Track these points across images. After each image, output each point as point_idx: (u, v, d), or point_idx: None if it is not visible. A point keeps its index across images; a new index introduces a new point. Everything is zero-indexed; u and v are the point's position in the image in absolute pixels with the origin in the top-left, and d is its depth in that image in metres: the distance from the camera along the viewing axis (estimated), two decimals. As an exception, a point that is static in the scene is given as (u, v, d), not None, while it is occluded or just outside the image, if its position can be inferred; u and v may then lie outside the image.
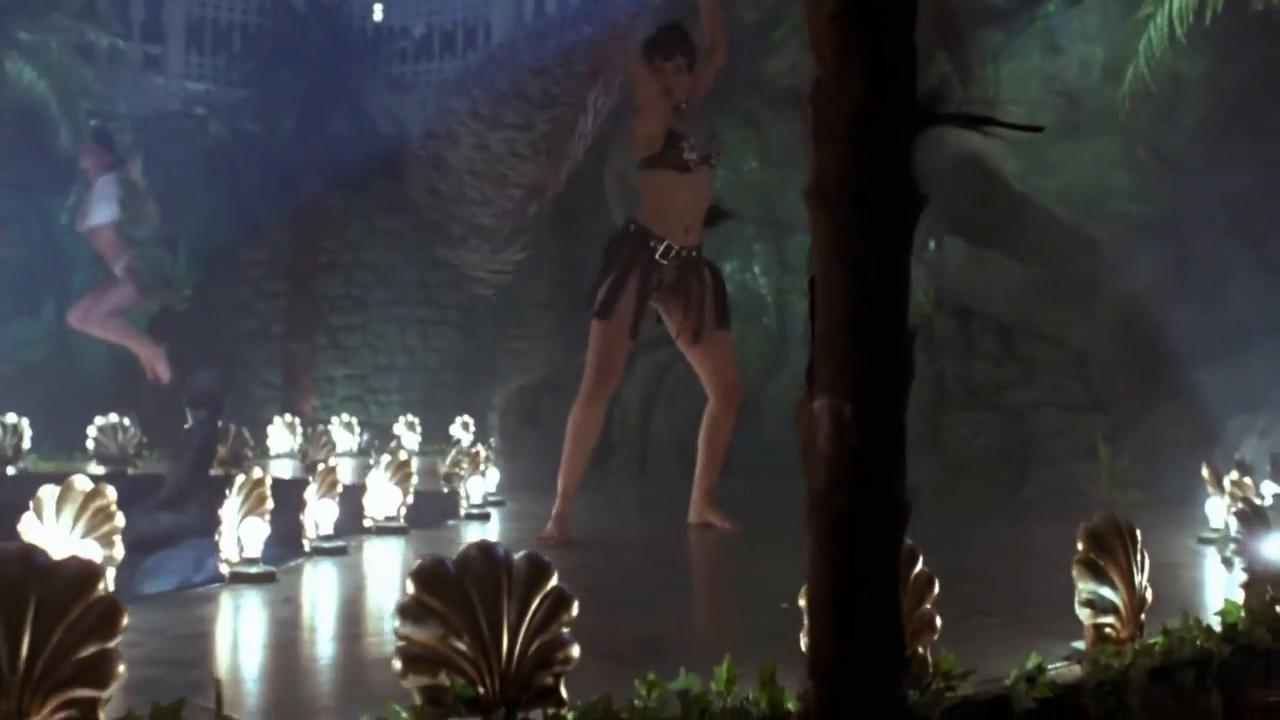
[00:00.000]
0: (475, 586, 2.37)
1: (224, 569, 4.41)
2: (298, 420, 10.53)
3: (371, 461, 6.44)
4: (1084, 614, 3.25)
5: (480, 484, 6.58)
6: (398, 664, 2.36)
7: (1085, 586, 3.25)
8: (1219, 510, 5.39)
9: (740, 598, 4.71)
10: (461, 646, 2.35)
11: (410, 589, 2.37)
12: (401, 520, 5.70)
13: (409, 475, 5.79)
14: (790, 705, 2.48)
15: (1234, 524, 4.30)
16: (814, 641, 2.12)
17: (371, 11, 14.31)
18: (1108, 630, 3.23)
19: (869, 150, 2.09)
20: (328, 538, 5.09)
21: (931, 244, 8.61)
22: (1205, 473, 5.75)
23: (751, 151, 9.72)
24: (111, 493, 3.66)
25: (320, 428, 10.01)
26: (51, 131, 11.34)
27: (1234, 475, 5.23)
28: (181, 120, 12.98)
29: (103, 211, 9.98)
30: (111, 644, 2.13)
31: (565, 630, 2.45)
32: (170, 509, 6.82)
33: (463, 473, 6.50)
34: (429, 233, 12.52)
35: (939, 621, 2.89)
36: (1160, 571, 3.51)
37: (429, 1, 14.30)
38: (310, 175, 12.63)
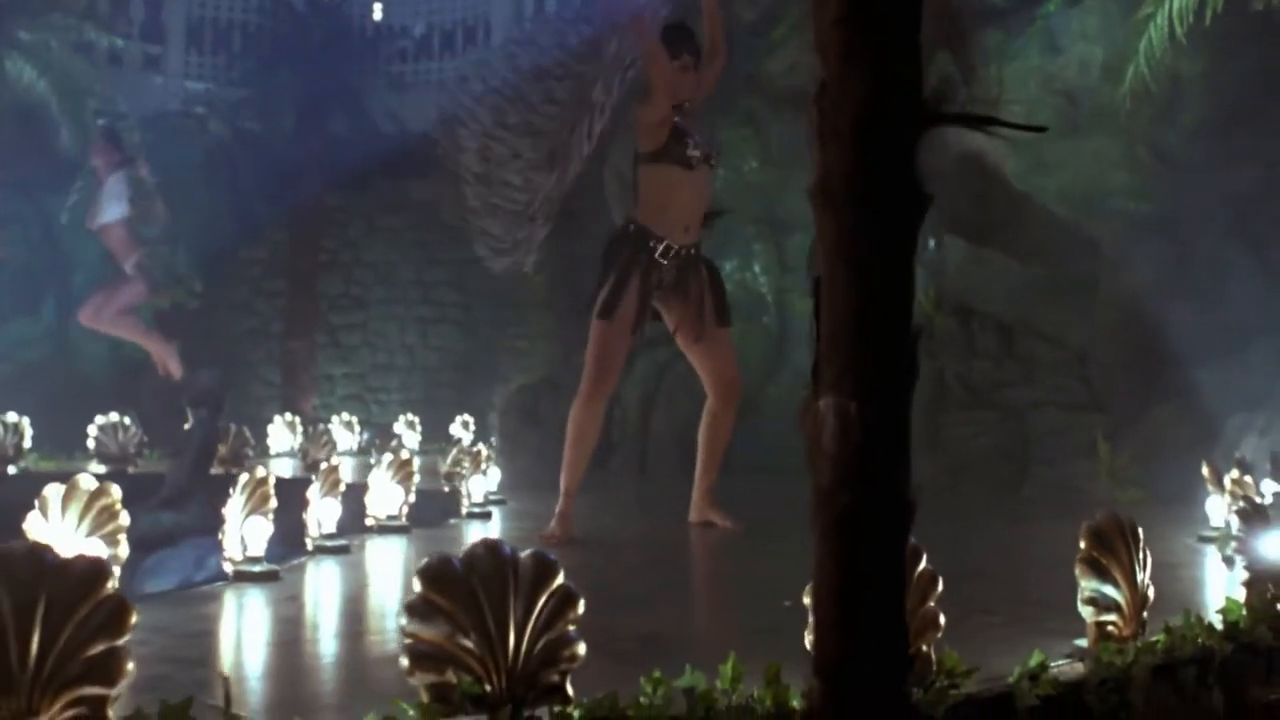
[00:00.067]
0: (482, 585, 2.38)
1: (228, 567, 4.42)
2: (298, 419, 10.55)
3: (372, 460, 6.45)
4: (1087, 612, 3.25)
5: (481, 483, 6.59)
6: (405, 661, 2.37)
7: (1088, 584, 3.25)
8: (1219, 509, 5.40)
9: (741, 596, 4.72)
10: (468, 644, 2.36)
11: (417, 587, 2.38)
12: (403, 519, 5.71)
13: (411, 474, 5.80)
14: (795, 703, 2.49)
15: (1234, 522, 4.32)
16: (819, 639, 2.13)
17: (371, 11, 14.32)
18: (1110, 628, 3.23)
19: (874, 151, 2.10)
20: (330, 536, 5.11)
21: (931, 243, 8.61)
22: (1205, 471, 5.75)
23: (751, 151, 9.72)
24: (116, 491, 3.67)
25: (320, 427, 10.04)
26: (52, 131, 11.33)
27: (1234, 474, 5.25)
28: (181, 120, 12.99)
29: (113, 209, 10.00)
30: (120, 642, 2.14)
31: (571, 628, 2.46)
32: (171, 508, 6.83)
33: (464, 471, 6.51)
34: (428, 231, 12.59)
35: (943, 619, 2.90)
36: (1161, 570, 3.52)
37: (429, 1, 14.31)
38: (310, 175, 12.64)
